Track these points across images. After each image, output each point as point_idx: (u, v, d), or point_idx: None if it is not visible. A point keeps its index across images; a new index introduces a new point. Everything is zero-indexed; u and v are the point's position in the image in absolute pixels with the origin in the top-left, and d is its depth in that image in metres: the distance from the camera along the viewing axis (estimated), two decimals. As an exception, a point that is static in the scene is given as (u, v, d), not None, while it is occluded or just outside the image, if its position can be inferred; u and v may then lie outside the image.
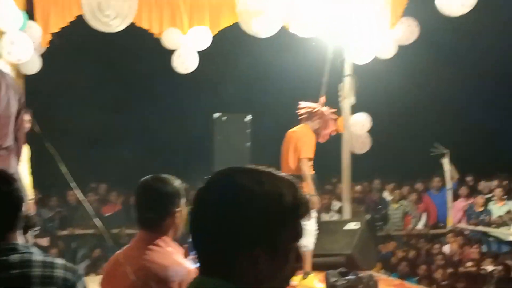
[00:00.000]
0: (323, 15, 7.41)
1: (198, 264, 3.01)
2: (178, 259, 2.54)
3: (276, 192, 1.29)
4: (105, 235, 3.07)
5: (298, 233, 1.32)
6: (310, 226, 6.27)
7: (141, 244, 2.57)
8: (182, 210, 2.62)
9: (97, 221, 2.69)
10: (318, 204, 6.41)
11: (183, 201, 2.64)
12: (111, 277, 2.60)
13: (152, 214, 2.57)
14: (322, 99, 6.73)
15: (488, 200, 9.73)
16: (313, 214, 6.26)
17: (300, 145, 6.33)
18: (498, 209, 9.49)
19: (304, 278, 6.33)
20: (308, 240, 6.26)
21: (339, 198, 9.26)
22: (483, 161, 11.12)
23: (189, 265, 2.58)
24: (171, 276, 2.46)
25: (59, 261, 2.11)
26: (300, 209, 1.32)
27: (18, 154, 3.87)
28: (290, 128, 6.68)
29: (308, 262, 6.36)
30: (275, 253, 1.29)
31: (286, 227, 1.30)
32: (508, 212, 9.32)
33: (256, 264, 1.27)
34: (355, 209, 9.29)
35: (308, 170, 6.26)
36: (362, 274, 5.76)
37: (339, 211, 9.03)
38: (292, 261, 1.32)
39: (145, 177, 2.64)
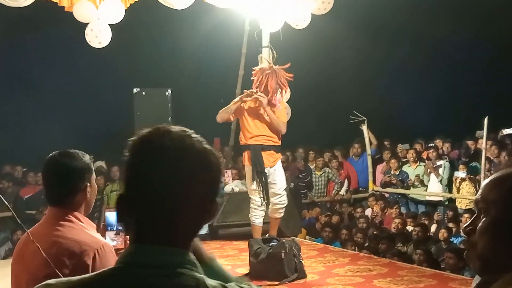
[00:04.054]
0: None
1: (113, 240, 2.96)
2: (91, 234, 2.52)
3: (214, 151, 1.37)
4: (18, 219, 2.97)
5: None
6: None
7: (52, 221, 2.52)
8: (93, 185, 2.59)
9: (10, 205, 2.61)
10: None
11: (93, 176, 2.61)
12: (22, 256, 2.55)
13: (61, 190, 2.53)
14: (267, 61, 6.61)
15: (404, 163, 10.13)
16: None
17: None
18: (412, 171, 9.90)
19: None
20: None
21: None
22: (398, 127, 11.58)
23: (102, 239, 2.56)
24: (84, 251, 2.43)
25: None
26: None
27: None
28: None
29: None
30: (214, 207, 1.36)
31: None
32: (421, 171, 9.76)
33: (201, 222, 1.34)
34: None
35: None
36: (285, 240, 5.88)
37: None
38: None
39: (52, 153, 2.59)
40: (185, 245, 1.31)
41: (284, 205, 6.58)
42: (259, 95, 6.28)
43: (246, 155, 6.43)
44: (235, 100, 6.43)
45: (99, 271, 1.33)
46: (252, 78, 6.51)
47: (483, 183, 1.39)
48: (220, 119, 6.45)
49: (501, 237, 1.30)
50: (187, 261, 1.29)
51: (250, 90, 6.39)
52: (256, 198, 6.40)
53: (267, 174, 6.40)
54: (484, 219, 1.34)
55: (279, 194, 6.51)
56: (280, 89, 6.43)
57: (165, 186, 1.27)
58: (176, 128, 1.33)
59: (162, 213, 1.28)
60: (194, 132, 1.35)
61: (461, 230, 8.19)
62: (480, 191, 1.38)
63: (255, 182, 6.36)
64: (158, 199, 1.27)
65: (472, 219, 1.38)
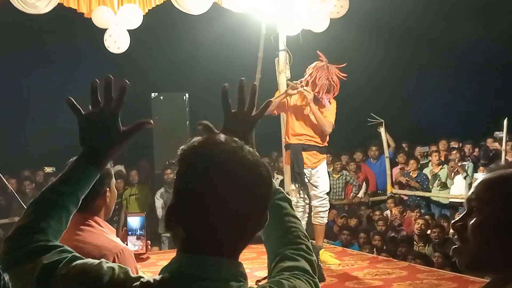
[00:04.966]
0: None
1: (134, 246, 2.94)
2: (111, 238, 2.55)
3: None
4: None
5: None
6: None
7: (72, 225, 2.50)
8: (112, 190, 2.62)
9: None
10: None
11: (113, 181, 2.64)
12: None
13: (81, 195, 2.56)
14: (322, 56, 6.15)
15: (423, 165, 10.06)
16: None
17: None
18: (436, 173, 9.81)
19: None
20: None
21: (280, 172, 9.39)
22: (415, 130, 11.51)
23: (122, 244, 2.59)
24: (104, 255, 2.45)
25: None
26: None
27: None
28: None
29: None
30: (264, 218, 1.35)
31: None
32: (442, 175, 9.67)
33: (252, 233, 1.32)
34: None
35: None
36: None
37: (281, 184, 9.15)
38: None
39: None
40: (235, 255, 1.30)
41: (326, 209, 6.22)
42: (304, 89, 5.92)
43: (286, 155, 6.22)
44: (281, 94, 6.15)
45: (147, 279, 1.30)
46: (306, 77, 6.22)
47: (476, 182, 1.38)
48: None
49: (496, 236, 1.30)
50: (240, 273, 1.29)
51: (295, 82, 6.07)
52: (295, 199, 6.00)
53: (307, 175, 6.03)
54: (475, 217, 1.34)
55: (321, 197, 6.12)
56: (331, 88, 6.04)
57: (215, 198, 1.25)
58: (227, 139, 1.31)
59: (211, 225, 1.26)
60: (244, 143, 1.32)
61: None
62: (473, 190, 1.38)
63: (293, 183, 6.05)
64: (208, 211, 1.26)
65: (462, 215, 1.38)
